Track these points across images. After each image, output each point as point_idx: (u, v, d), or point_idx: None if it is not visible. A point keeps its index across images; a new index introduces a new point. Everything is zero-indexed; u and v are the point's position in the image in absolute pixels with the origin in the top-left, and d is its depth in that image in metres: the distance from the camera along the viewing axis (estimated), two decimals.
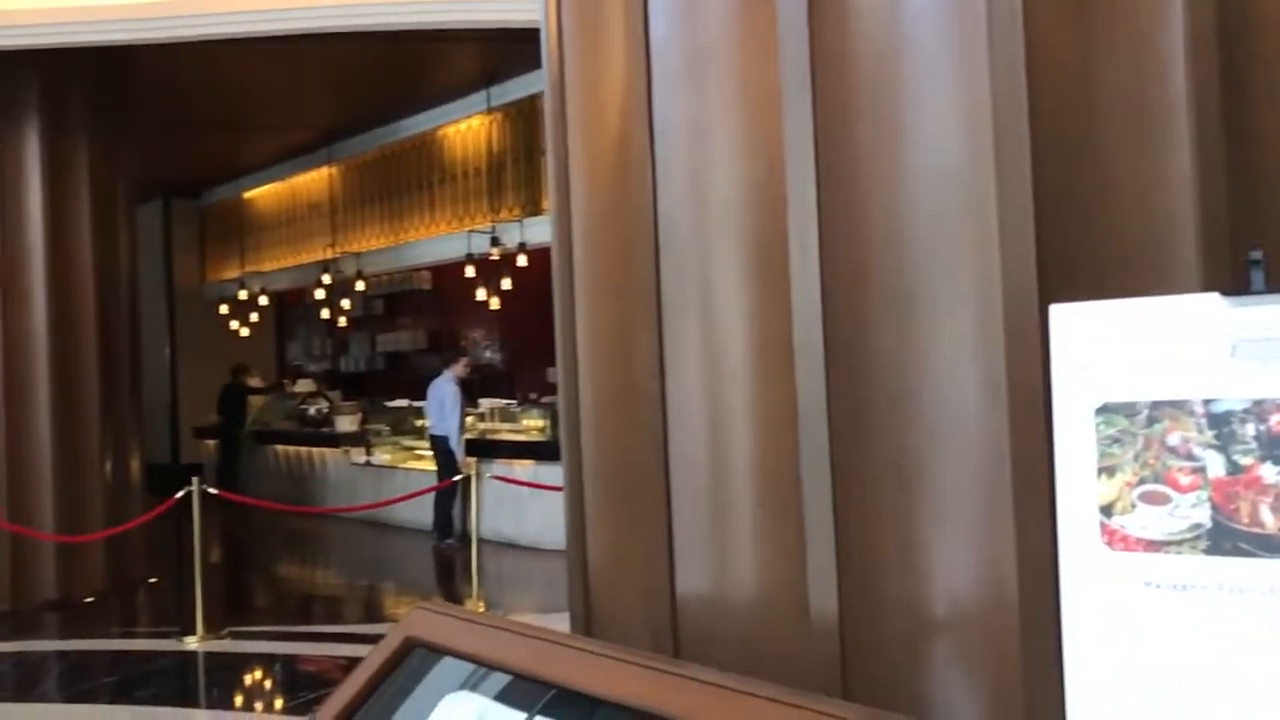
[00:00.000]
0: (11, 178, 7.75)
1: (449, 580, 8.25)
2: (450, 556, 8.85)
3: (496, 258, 10.56)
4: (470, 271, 10.87)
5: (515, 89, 10.43)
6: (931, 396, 1.84)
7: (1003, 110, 1.75)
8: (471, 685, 2.12)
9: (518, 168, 10.55)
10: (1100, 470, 1.47)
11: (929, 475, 1.84)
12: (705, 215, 2.17)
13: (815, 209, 1.94)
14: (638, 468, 2.30)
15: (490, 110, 10.73)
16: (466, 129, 11.17)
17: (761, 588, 2.03)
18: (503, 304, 11.09)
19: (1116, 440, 1.46)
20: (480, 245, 10.72)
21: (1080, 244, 1.74)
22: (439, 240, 11.49)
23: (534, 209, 10.33)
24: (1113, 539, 1.46)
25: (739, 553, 2.07)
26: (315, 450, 11.75)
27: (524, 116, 10.43)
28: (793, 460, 1.95)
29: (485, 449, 9.24)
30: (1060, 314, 1.51)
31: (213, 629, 6.47)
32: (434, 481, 8.98)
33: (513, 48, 9.20)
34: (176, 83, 9.24)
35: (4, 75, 7.58)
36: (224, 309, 14.59)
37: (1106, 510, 1.47)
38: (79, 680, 5.94)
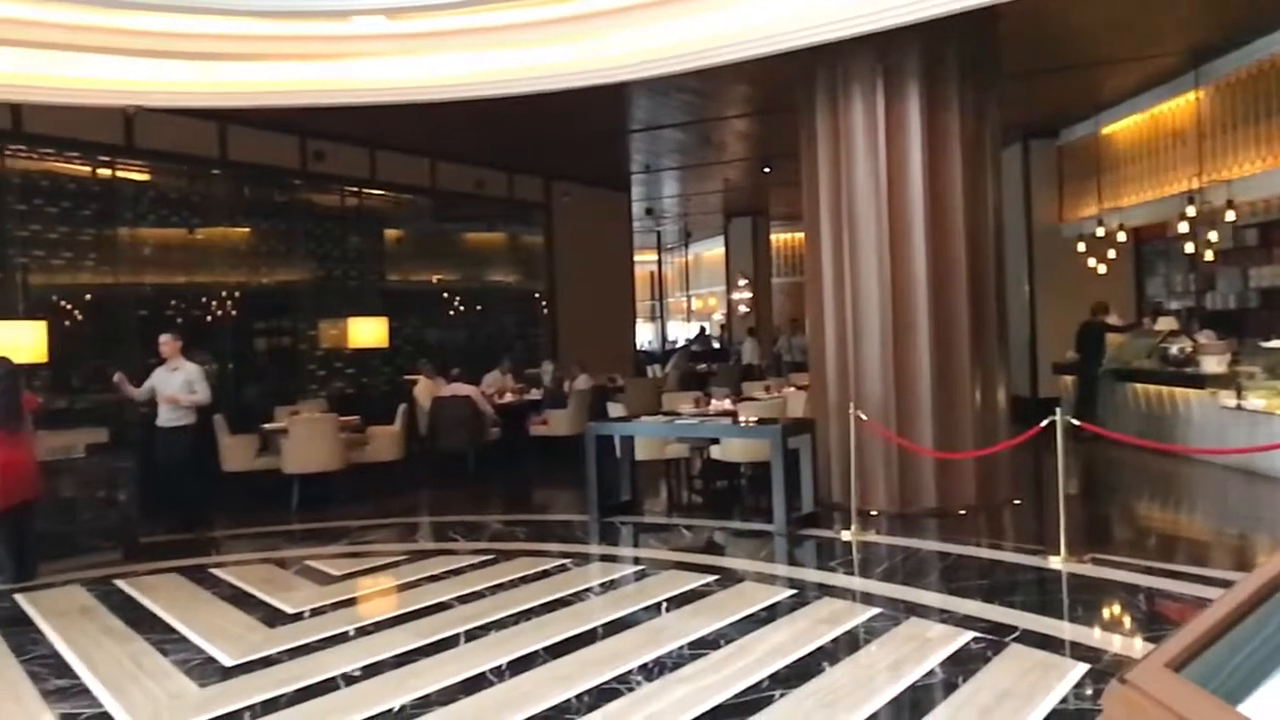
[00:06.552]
0: (896, 142, 8.64)
1: None
2: None
3: None
4: None
5: None
6: None
7: None
8: None
9: None
10: None
11: None
12: None
13: None
14: None
15: None
16: None
17: None
18: None
19: None
20: None
21: None
22: None
23: None
24: None
25: None
26: (1175, 390, 11.17)
27: None
28: None
29: None
30: None
31: (1075, 552, 6.73)
32: None
33: None
34: (1036, 29, 9.46)
35: (889, 50, 8.56)
36: (1080, 247, 14.54)
37: None
38: (956, 578, 6.57)
